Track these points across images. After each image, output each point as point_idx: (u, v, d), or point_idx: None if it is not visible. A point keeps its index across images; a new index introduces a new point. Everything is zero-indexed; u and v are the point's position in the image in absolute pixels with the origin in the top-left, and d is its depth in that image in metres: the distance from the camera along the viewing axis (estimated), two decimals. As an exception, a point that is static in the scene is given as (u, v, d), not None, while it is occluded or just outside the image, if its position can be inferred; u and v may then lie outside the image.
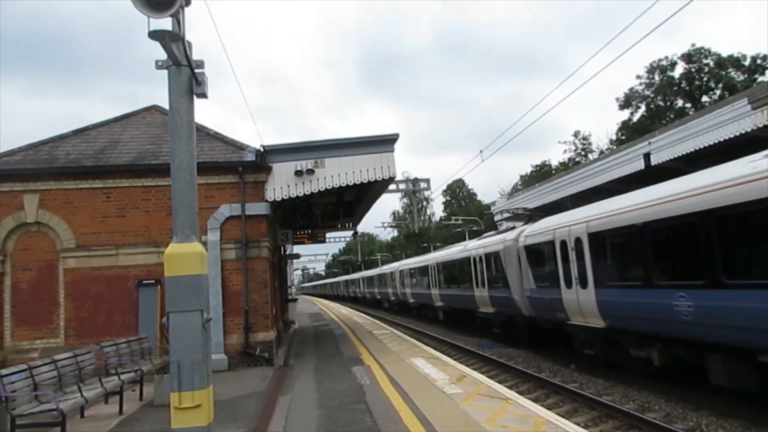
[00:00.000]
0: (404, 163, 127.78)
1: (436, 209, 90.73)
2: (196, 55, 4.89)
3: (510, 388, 10.52)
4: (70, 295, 13.46)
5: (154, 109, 16.66)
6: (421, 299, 32.05)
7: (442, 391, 9.43)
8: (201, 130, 15.01)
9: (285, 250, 25.50)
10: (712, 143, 14.12)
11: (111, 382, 9.37)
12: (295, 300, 34.74)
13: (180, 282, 4.18)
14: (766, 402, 8.56)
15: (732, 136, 13.54)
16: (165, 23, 4.05)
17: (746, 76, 44.54)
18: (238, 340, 13.74)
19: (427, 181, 29.83)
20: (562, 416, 8.12)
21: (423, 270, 30.88)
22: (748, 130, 13.04)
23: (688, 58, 47.44)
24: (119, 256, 13.67)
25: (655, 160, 16.70)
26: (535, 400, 9.81)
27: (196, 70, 4.46)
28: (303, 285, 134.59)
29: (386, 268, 47.29)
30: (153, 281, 13.49)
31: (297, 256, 32.26)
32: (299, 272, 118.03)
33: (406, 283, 36.49)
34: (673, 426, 8.48)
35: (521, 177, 68.62)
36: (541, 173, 60.64)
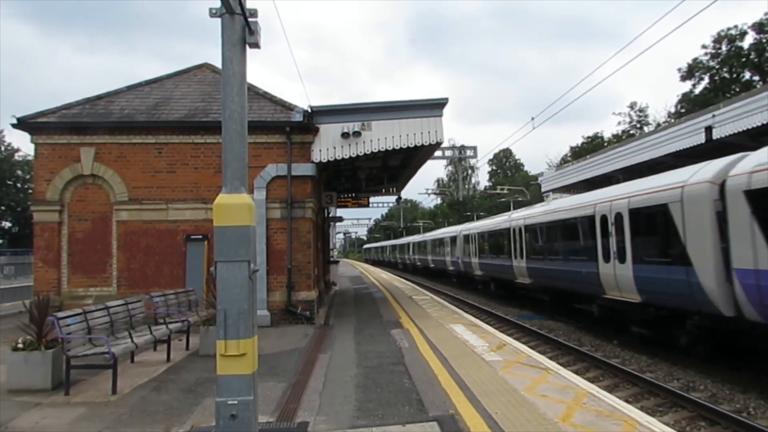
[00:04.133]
0: (451, 130, 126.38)
1: (481, 178, 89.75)
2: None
3: (550, 359, 10.40)
4: (122, 246, 13.96)
5: (206, 67, 16.81)
6: (495, 272, 25.10)
7: (482, 357, 9.40)
8: (250, 89, 15.06)
9: (328, 213, 25.70)
10: (782, 117, 13.32)
11: (159, 330, 9.74)
12: (337, 262, 35.16)
13: (228, 232, 4.21)
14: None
15: (806, 110, 12.73)
16: (219, -30, 3.99)
17: (823, 48, 41.66)
18: (280, 298, 14.02)
19: (474, 149, 29.44)
20: (604, 389, 7.99)
21: (501, 234, 23.72)
22: (824, 104, 12.21)
23: (759, 27, 44.57)
24: (169, 210, 14.04)
25: (717, 134, 15.92)
26: (576, 373, 9.67)
27: (250, 19, 4.39)
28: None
29: (442, 232, 41.19)
30: (200, 236, 13.85)
31: (340, 219, 32.48)
32: (341, 236, 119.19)
33: (471, 251, 29.32)
34: (718, 407, 8.25)
35: (571, 148, 66.91)
36: (593, 145, 58.87)
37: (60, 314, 7.80)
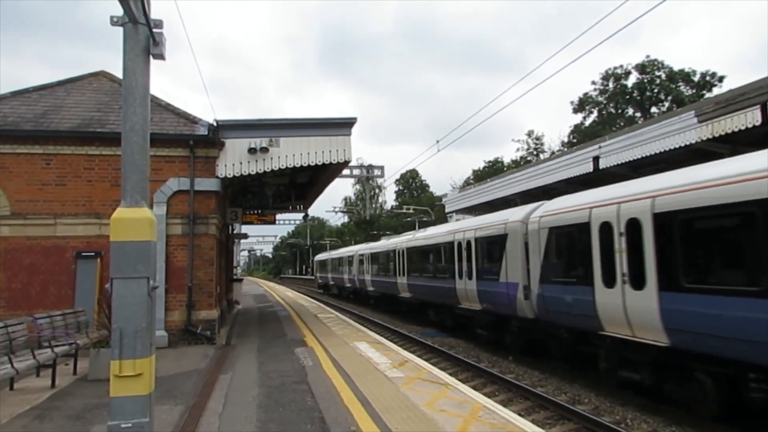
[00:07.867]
0: (359, 149, 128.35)
1: (388, 198, 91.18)
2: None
3: (450, 375, 10.74)
4: (2, 264, 12.83)
5: (102, 75, 16.00)
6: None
7: (384, 374, 9.54)
8: (152, 100, 14.43)
9: (233, 230, 25.08)
10: (658, 152, 14.63)
11: (44, 354, 9.02)
12: (240, 280, 34.28)
13: (127, 247, 4.05)
14: (685, 402, 9.04)
15: (677, 146, 14.04)
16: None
17: (694, 91, 46.51)
18: (180, 317, 13.47)
19: (381, 168, 29.92)
20: (498, 404, 8.36)
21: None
22: (693, 141, 13.54)
23: (641, 68, 49.21)
24: (57, 226, 13.12)
25: (603, 164, 17.22)
26: (474, 388, 10.04)
27: (155, 30, 4.29)
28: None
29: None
30: (93, 253, 13.05)
31: (245, 236, 31.80)
32: (246, 253, 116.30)
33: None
34: (600, 418, 8.87)
35: (474, 171, 69.82)
36: (494, 169, 61.83)
37: (-74, 337, 7.06)
